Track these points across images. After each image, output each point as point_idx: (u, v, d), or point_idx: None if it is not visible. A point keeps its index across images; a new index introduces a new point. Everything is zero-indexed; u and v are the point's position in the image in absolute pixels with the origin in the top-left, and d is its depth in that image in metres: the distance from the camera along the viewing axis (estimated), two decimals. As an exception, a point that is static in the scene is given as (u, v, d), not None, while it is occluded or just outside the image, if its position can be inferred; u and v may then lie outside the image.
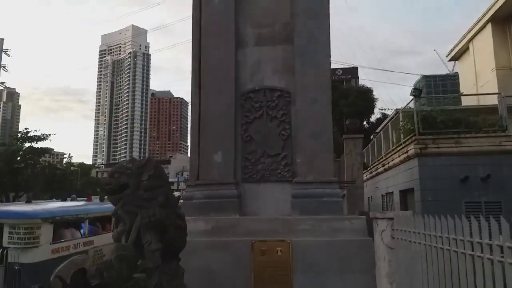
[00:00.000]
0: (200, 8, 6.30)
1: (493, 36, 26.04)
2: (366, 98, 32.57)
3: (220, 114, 5.92)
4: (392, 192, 16.85)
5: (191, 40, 6.55)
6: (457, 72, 37.44)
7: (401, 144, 15.19)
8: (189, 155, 6.47)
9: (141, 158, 4.54)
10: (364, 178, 18.21)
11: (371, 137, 24.69)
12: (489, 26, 26.34)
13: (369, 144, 24.19)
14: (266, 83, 5.97)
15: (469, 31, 29.28)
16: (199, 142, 6.00)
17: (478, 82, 29.26)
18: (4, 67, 34.93)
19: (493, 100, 16.15)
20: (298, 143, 5.62)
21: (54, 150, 43.33)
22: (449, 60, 36.93)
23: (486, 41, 27.06)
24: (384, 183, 18.42)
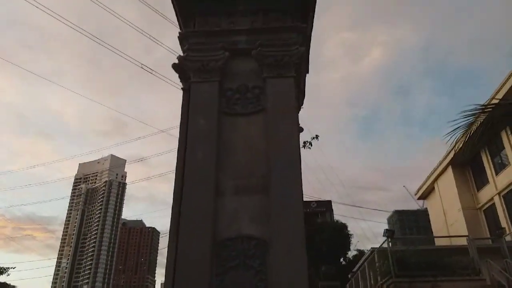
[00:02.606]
0: (184, 159, 6.76)
1: (455, 178, 27.98)
2: (342, 234, 32.75)
3: (195, 262, 5.87)
4: None
5: (173, 185, 6.84)
6: (427, 208, 38.85)
7: (379, 287, 14.88)
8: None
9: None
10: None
11: (349, 276, 24.11)
12: (449, 169, 28.48)
13: (347, 284, 23.45)
14: (244, 232, 6.10)
15: (433, 172, 31.44)
16: (173, 291, 5.81)
17: (448, 221, 30.28)
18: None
19: (464, 240, 16.57)
20: (274, 295, 5.51)
21: (11, 285, 39.70)
22: (418, 199, 38.66)
23: (449, 182, 28.92)
24: (365, 329, 17.39)
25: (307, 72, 8.83)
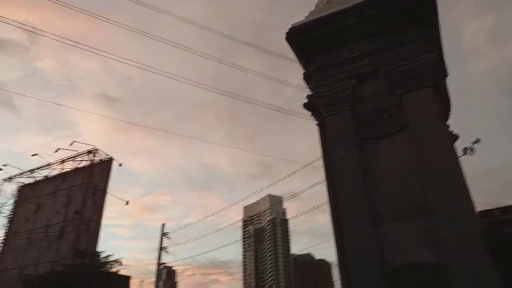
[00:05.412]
0: (333, 192, 6.80)
1: None
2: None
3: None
4: None
5: (330, 219, 6.90)
6: None
7: None
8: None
9: None
10: None
11: None
12: None
13: None
14: (414, 258, 5.71)
15: None
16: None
17: None
18: (165, 249, 39.34)
19: None
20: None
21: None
22: None
23: None
24: None
25: (446, 75, 8.08)
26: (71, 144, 39.84)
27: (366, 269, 5.90)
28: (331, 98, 7.10)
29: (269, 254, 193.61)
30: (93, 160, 38.60)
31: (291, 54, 8.05)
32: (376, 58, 6.95)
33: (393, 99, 6.76)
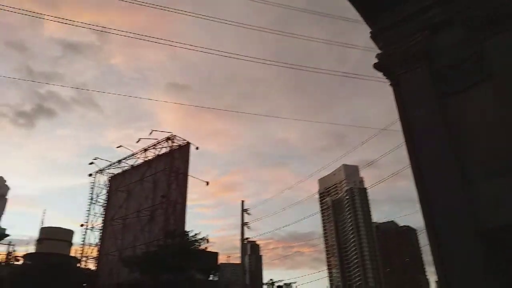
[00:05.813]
0: (415, 154, 6.47)
1: None
2: None
3: (464, 257, 5.44)
4: None
5: (413, 181, 6.59)
6: None
7: None
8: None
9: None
10: None
11: None
12: None
13: None
14: (513, 217, 5.28)
15: None
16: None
17: None
18: (247, 224, 40.74)
19: None
20: None
21: None
22: None
23: None
24: None
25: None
26: (150, 133, 42.49)
27: (459, 231, 5.59)
28: (404, 54, 6.67)
29: (350, 224, 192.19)
30: (172, 146, 40.82)
31: (353, 15, 7.67)
32: (451, 3, 6.36)
33: (472, 47, 6.17)
